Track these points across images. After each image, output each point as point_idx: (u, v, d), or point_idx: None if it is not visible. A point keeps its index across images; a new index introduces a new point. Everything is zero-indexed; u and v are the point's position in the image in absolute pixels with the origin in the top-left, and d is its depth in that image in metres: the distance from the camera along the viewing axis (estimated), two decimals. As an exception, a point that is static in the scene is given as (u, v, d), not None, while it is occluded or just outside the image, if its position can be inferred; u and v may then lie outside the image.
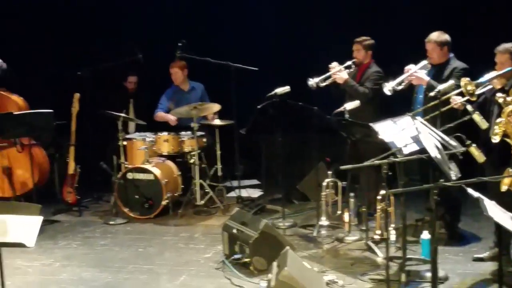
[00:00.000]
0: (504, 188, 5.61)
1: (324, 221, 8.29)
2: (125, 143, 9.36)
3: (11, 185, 8.93)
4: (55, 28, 10.83)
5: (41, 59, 10.66)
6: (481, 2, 9.47)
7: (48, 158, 9.38)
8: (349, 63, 8.32)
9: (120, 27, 10.82)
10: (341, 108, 7.95)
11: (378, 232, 7.54)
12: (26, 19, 10.67)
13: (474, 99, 6.45)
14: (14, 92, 9.02)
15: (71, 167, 9.56)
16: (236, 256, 7.26)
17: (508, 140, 5.65)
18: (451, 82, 6.98)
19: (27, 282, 7.05)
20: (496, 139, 5.72)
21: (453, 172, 5.52)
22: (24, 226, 4.88)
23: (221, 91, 9.57)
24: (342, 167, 6.76)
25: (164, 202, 9.02)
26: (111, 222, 9.03)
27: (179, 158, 9.52)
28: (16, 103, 8.91)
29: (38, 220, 4.93)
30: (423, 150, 5.56)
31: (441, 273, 6.27)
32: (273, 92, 8.32)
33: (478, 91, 6.51)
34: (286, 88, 8.33)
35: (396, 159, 6.08)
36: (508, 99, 5.72)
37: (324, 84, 8.25)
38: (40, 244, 7.76)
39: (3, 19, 9.26)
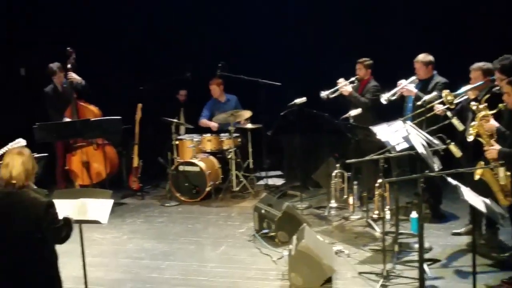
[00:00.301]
0: (476, 177, 5.56)
1: (333, 203, 8.30)
2: (177, 142, 9.38)
3: (89, 175, 8.99)
4: (123, 53, 10.89)
5: (112, 77, 10.71)
6: (460, 31, 9.42)
7: (117, 154, 9.39)
8: (352, 79, 8.29)
9: (173, 53, 10.84)
10: (347, 115, 7.97)
11: (376, 212, 7.58)
12: (100, 47, 10.74)
13: (453, 107, 6.46)
14: (91, 103, 9.06)
15: (135, 161, 9.61)
16: (264, 231, 7.31)
17: (480, 139, 5.60)
18: (434, 93, 6.97)
19: (102, 251, 7.15)
20: (470, 138, 5.67)
21: (436, 165, 5.49)
22: (99, 207, 4.92)
23: (252, 101, 9.56)
24: (348, 161, 6.77)
25: (207, 189, 9.03)
26: (166, 204, 9.06)
27: (219, 154, 9.49)
28: (93, 111, 8.95)
29: (110, 202, 4.97)
30: (412, 147, 5.54)
31: (426, 244, 6.25)
32: (293, 102, 8.30)
33: (456, 101, 6.51)
34: (303, 99, 8.29)
35: (391, 155, 6.07)
36: (480, 106, 5.66)
37: (333, 95, 8.22)
38: (111, 221, 7.74)
39: (84, 47, 9.32)
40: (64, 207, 4.52)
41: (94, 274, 6.14)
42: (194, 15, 10.90)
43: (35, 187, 4.37)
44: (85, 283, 5.28)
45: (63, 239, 4.30)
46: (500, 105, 5.55)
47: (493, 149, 5.45)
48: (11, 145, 6.60)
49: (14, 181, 4.16)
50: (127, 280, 6.27)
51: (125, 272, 6.50)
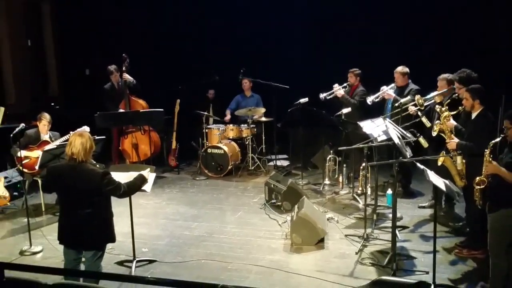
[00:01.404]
0: (439, 163, 5.55)
1: (327, 181, 8.34)
2: (206, 130, 9.41)
3: (137, 154, 9.05)
4: (166, 60, 10.92)
5: (157, 78, 10.75)
6: (430, 49, 9.37)
7: (159, 138, 9.41)
8: (345, 84, 8.28)
9: (205, 60, 10.84)
10: (339, 112, 7.95)
11: (360, 189, 7.60)
12: (149, 54, 10.78)
13: (423, 108, 6.46)
14: (140, 97, 9.11)
15: (174, 144, 9.62)
16: (272, 201, 7.35)
17: (442, 134, 5.61)
18: (409, 97, 6.98)
19: (146, 213, 7.24)
20: (435, 133, 5.68)
21: (408, 153, 5.50)
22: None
23: (266, 99, 9.59)
24: (340, 148, 6.82)
25: (229, 167, 9.04)
26: (197, 178, 9.09)
27: (239, 140, 9.48)
28: (141, 104, 8.98)
29: (152, 175, 4.99)
30: (390, 139, 5.55)
31: (398, 214, 6.29)
32: (298, 101, 8.29)
33: (426, 104, 6.51)
34: (306, 99, 8.28)
35: (373, 144, 6.10)
36: (443, 109, 5.66)
37: (329, 97, 8.22)
38: (154, 190, 7.73)
39: (136, 54, 9.35)
40: (118, 178, 4.54)
41: (139, 231, 6.26)
42: (221, 31, 10.91)
43: (93, 162, 4.47)
44: (132, 237, 5.39)
45: (122, 195, 4.39)
46: (460, 108, 5.57)
47: (452, 141, 5.45)
48: (78, 131, 6.70)
49: (74, 157, 4.27)
50: (165, 236, 6.36)
51: (163, 230, 6.59)
